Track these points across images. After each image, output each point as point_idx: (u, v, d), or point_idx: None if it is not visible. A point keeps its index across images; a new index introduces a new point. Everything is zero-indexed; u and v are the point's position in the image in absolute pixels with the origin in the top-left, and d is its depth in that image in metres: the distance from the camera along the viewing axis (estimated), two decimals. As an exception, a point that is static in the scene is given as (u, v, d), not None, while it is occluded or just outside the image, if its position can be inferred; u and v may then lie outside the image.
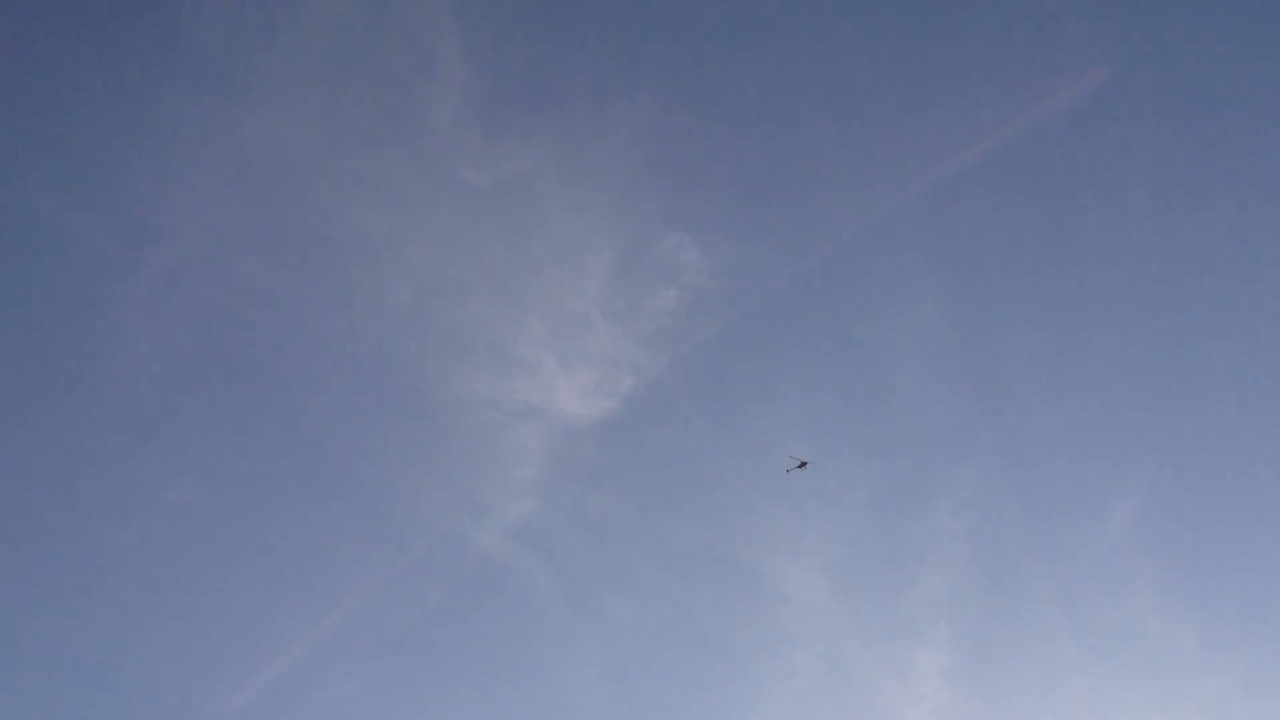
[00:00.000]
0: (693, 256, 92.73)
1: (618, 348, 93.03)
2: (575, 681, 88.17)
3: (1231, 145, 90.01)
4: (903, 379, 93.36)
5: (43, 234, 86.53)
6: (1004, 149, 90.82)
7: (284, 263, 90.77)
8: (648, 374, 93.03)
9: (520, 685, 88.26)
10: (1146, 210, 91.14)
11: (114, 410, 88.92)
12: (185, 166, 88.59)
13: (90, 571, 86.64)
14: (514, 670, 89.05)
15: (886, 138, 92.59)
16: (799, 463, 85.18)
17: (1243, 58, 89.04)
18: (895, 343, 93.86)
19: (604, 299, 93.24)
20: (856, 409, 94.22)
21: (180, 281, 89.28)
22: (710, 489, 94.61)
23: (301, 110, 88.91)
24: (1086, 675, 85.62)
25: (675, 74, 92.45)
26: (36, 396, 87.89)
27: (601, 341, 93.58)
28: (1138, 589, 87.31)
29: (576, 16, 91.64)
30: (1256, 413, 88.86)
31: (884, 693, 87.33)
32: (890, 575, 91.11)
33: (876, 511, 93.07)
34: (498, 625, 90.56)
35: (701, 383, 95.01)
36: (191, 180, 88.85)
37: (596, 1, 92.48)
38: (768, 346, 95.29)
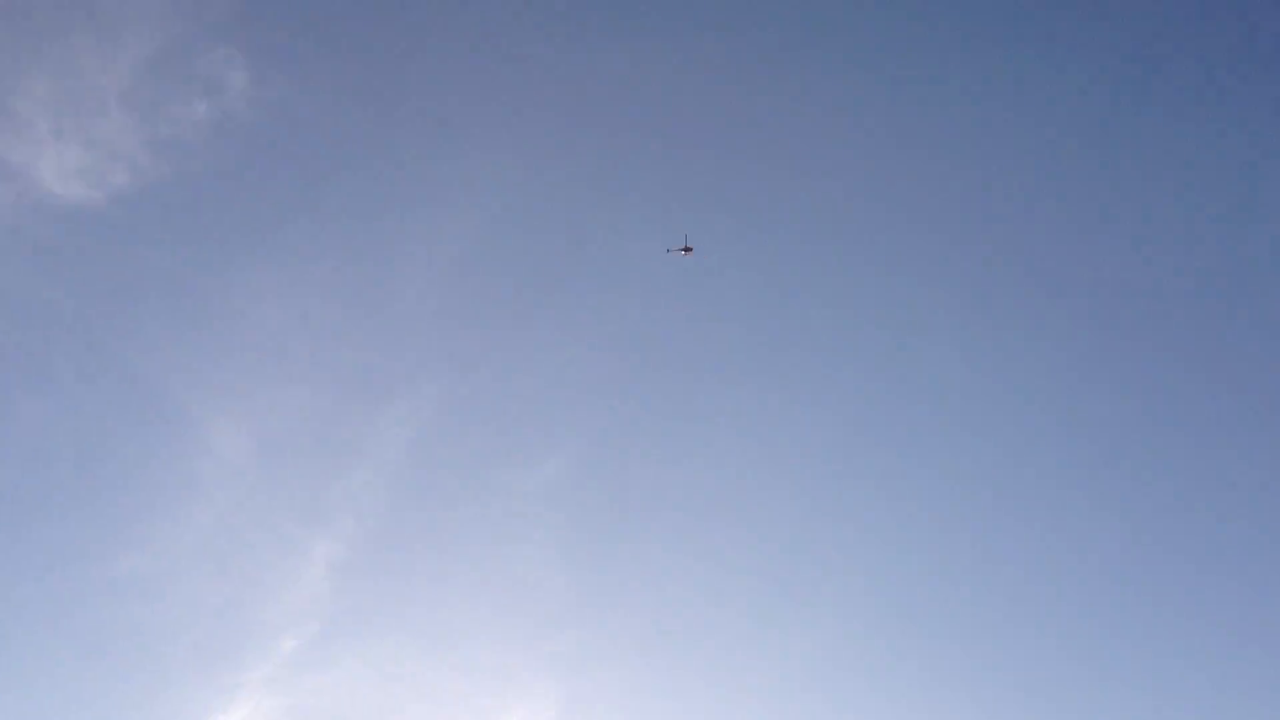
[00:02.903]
0: (241, 78, 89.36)
1: (123, 141, 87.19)
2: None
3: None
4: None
5: None
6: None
7: None
8: (147, 177, 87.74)
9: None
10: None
11: None
12: None
13: None
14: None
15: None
16: (682, 248, 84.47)
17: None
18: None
19: (128, 87, 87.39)
20: (348, 278, 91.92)
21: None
22: (174, 317, 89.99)
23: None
24: (463, 594, 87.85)
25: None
26: None
27: (107, 128, 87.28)
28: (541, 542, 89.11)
29: None
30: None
31: (269, 573, 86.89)
32: (322, 464, 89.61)
33: (334, 404, 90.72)
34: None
35: (203, 206, 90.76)
36: None
37: None
38: (284, 190, 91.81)
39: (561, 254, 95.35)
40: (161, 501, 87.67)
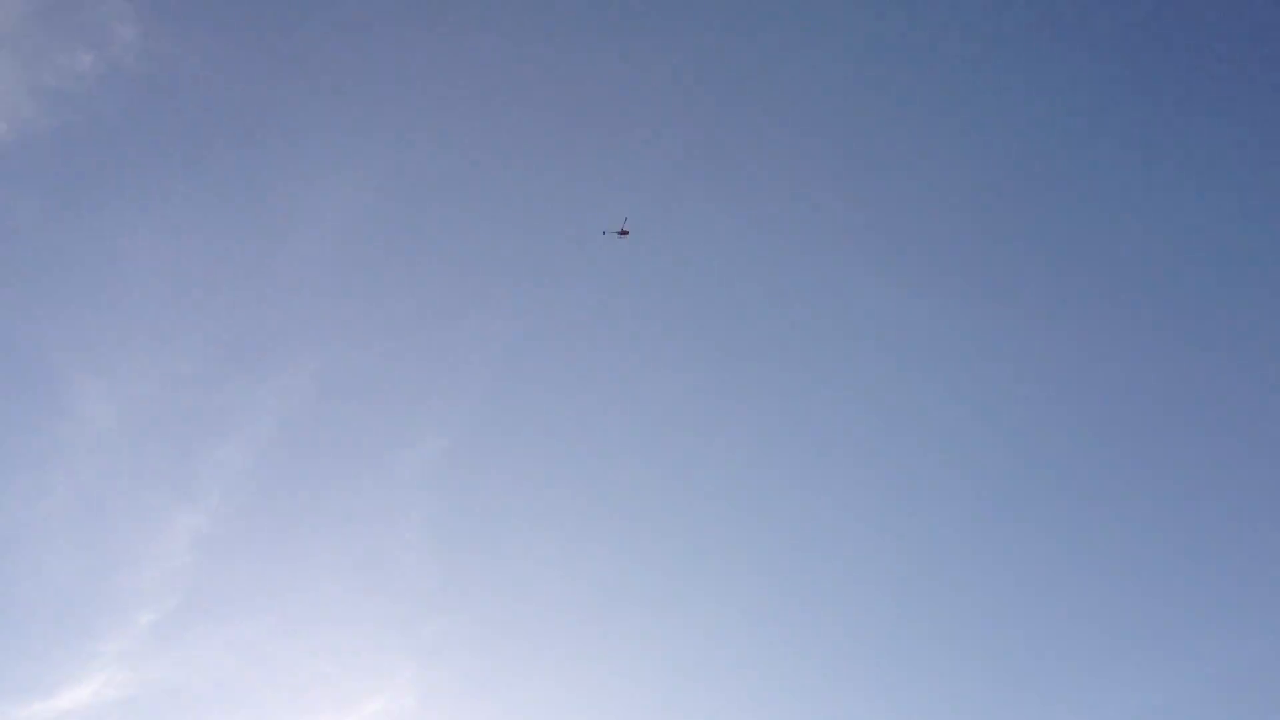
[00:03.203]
0: (130, 31, 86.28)
1: (4, 88, 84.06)
2: None
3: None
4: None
5: None
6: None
7: None
8: (27, 127, 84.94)
9: None
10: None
11: None
12: None
13: None
14: None
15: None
16: (620, 229, 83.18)
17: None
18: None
19: (13, 33, 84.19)
20: (231, 243, 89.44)
21: None
22: (42, 273, 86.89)
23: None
24: (329, 576, 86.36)
25: None
26: None
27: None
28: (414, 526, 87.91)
29: None
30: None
31: (130, 544, 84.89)
32: (191, 434, 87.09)
33: (208, 372, 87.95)
34: None
35: (83, 159, 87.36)
36: None
37: None
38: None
39: (457, 228, 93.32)
40: (20, 465, 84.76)
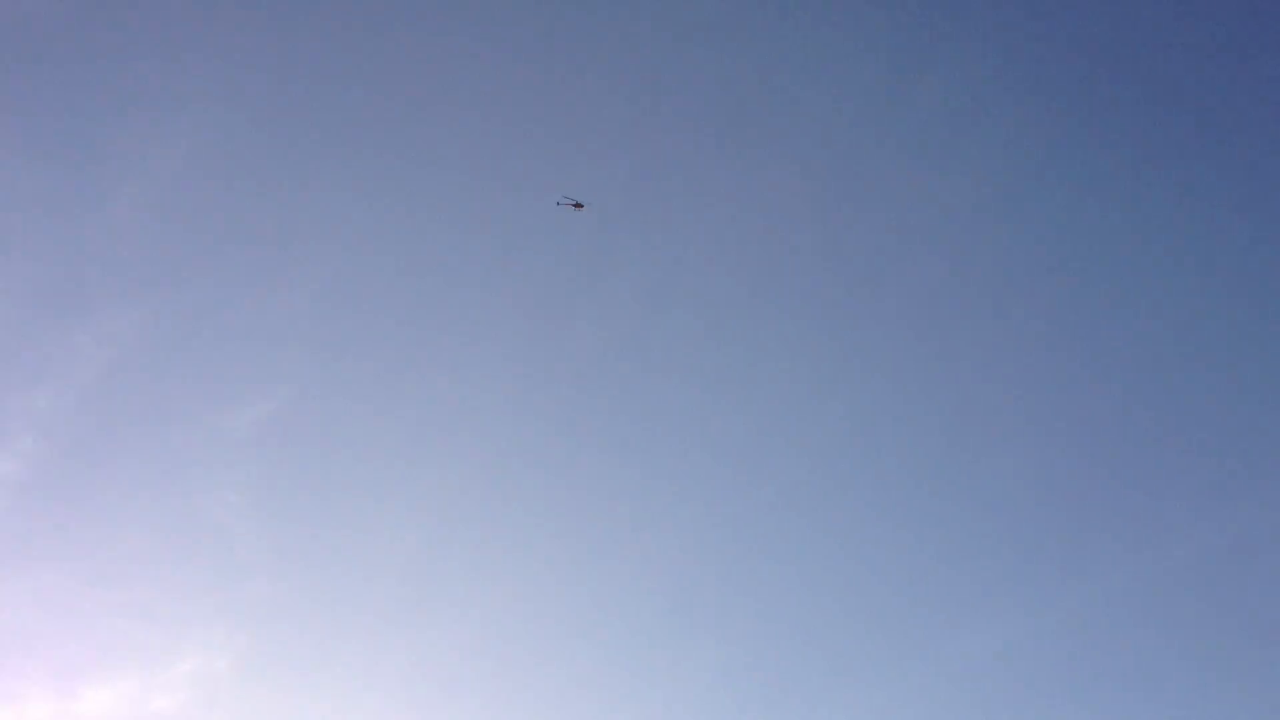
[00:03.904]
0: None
1: None
2: None
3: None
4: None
5: None
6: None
7: None
8: None
9: None
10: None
11: None
12: None
13: None
14: None
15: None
16: (573, 203, 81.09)
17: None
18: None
19: None
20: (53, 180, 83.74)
21: None
22: None
23: None
24: (144, 533, 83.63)
25: None
26: None
27: None
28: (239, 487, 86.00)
29: None
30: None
31: None
32: (5, 377, 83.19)
33: (25, 315, 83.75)
34: None
35: None
36: None
37: None
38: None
39: (304, 174, 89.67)
40: None
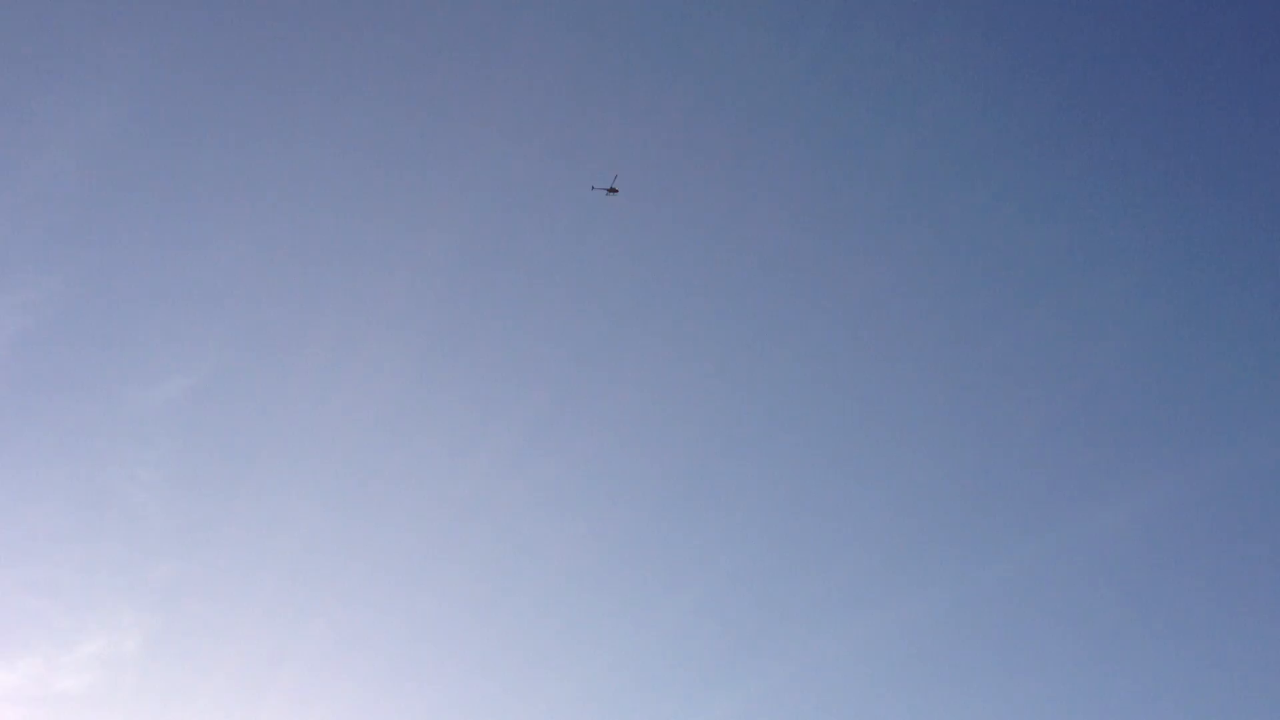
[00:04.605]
0: None
1: None
2: None
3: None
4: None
5: None
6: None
7: None
8: None
9: None
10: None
11: None
12: None
13: None
14: None
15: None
16: (608, 188, 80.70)
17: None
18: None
19: None
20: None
21: None
22: None
23: None
24: (51, 510, 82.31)
25: None
26: None
27: None
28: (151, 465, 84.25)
29: None
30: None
31: None
32: None
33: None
34: None
35: None
36: None
37: None
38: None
39: (218, 151, 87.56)
40: None
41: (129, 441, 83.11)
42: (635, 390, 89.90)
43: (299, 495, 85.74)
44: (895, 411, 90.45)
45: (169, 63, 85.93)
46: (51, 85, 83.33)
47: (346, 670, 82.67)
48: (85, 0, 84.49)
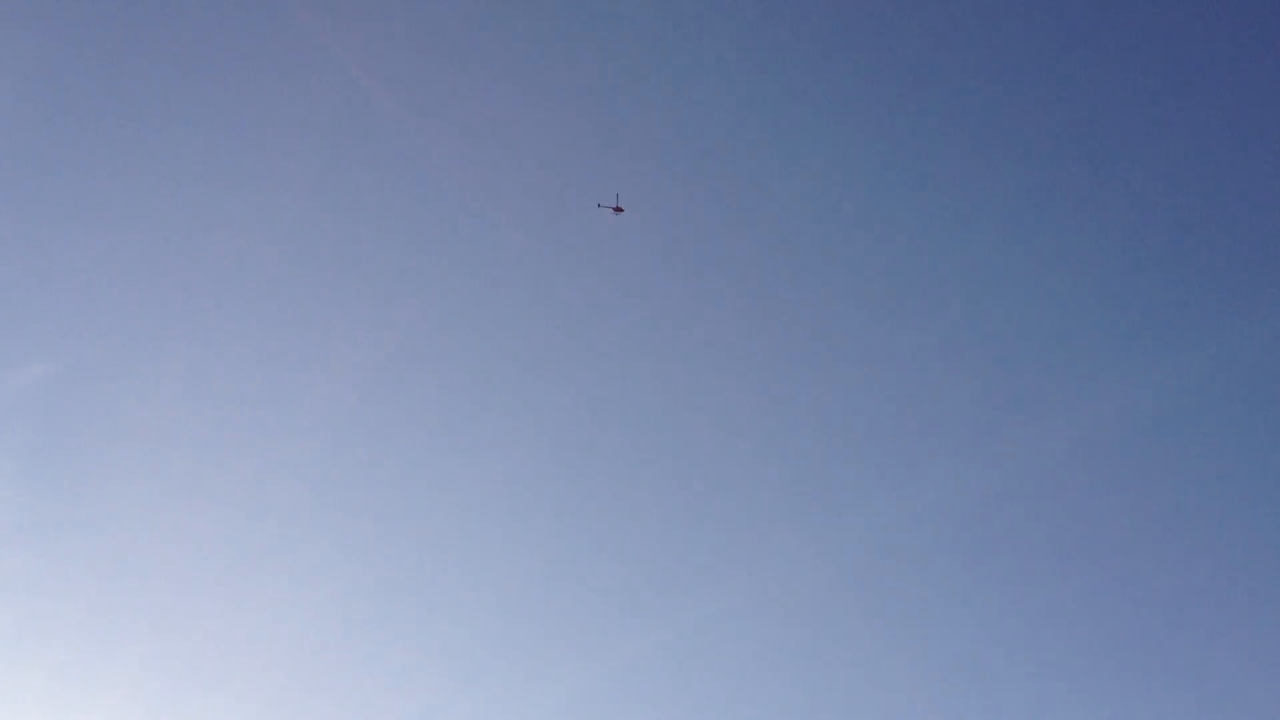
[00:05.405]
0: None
1: None
2: None
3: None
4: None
5: None
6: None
7: None
8: None
9: None
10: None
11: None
12: None
13: None
14: None
15: None
16: (614, 207, 79.26)
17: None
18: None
19: None
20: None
21: None
22: None
23: None
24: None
25: None
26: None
27: None
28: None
29: None
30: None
31: None
32: None
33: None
34: None
35: None
36: None
37: None
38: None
39: (97, 126, 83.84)
40: None
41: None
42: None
43: (162, 490, 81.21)
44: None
45: (38, 46, 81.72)
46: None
47: (220, 663, 79.20)
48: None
